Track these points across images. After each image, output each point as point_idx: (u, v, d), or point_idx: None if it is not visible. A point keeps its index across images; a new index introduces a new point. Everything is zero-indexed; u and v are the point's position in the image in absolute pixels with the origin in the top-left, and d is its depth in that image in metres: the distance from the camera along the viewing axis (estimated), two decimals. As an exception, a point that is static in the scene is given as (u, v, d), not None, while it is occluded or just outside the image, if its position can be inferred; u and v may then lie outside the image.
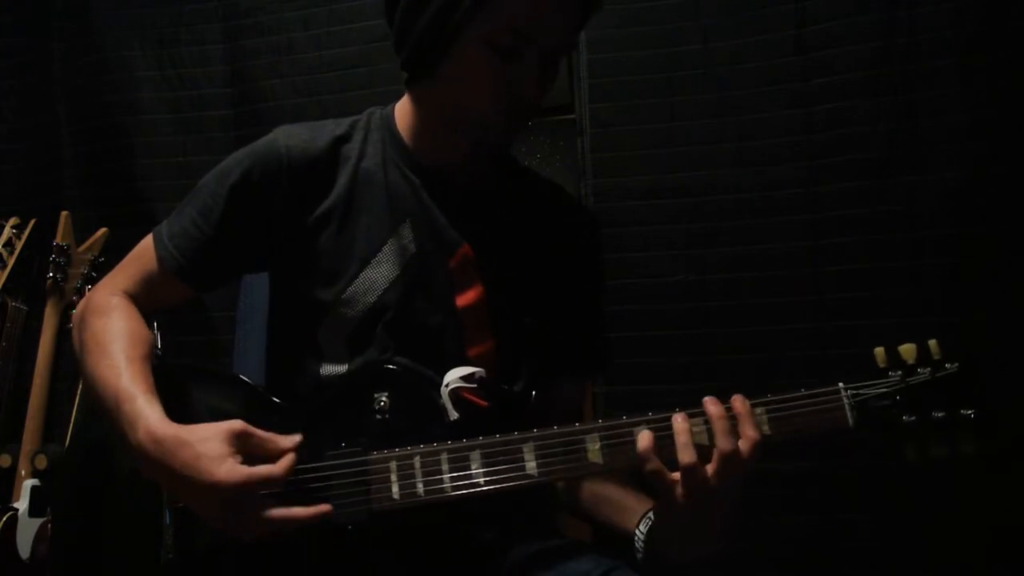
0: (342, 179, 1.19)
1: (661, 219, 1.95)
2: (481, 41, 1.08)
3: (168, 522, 1.11)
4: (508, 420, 1.07)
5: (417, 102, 1.22)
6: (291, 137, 1.19)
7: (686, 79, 1.95)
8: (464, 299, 1.19)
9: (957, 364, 0.98)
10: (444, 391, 1.11)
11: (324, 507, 1.04)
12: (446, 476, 1.05)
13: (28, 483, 2.16)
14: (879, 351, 1.01)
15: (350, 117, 1.26)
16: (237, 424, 1.03)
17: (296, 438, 1.05)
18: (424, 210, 1.19)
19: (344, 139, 1.21)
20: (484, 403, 1.12)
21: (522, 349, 1.21)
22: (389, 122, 1.24)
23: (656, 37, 1.97)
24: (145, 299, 1.22)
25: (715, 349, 1.89)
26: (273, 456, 1.04)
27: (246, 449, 1.03)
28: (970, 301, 1.75)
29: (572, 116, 2.05)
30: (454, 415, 1.10)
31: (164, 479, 1.04)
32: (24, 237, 2.29)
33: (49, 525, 2.10)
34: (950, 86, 1.79)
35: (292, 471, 1.03)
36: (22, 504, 2.14)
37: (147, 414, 1.04)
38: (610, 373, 1.90)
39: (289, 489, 1.04)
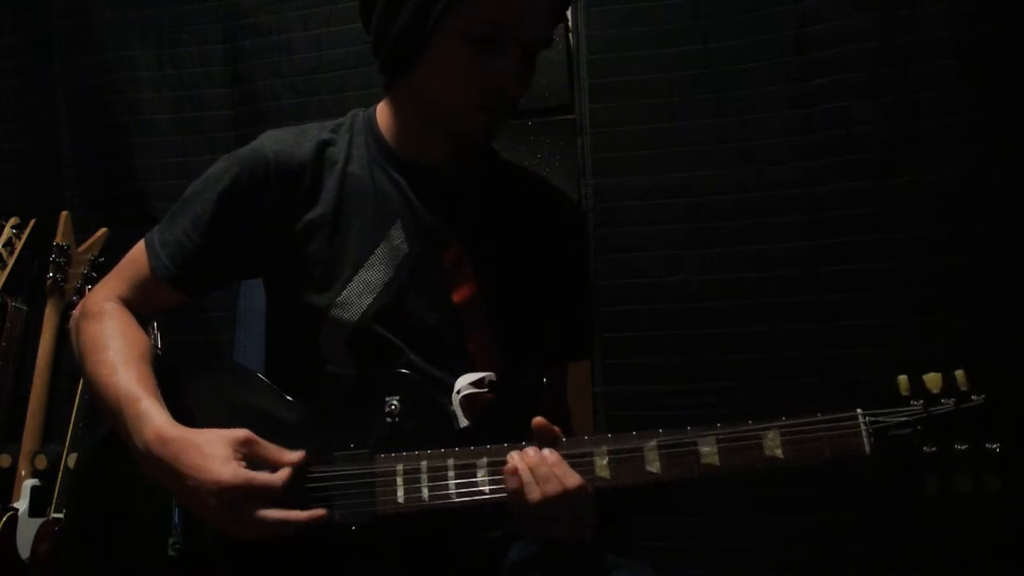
0: (330, 184, 1.19)
1: (661, 219, 1.95)
2: (459, 35, 1.10)
3: (176, 522, 1.12)
4: (517, 413, 1.08)
5: (397, 103, 1.23)
6: (277, 142, 1.20)
7: (686, 79, 1.95)
8: (460, 295, 1.20)
9: (984, 396, 0.95)
10: (455, 398, 1.12)
11: (320, 511, 1.06)
12: (451, 483, 1.05)
13: (28, 483, 2.17)
14: (902, 379, 0.99)
15: (334, 120, 1.27)
16: (243, 433, 1.06)
17: (299, 454, 1.08)
18: (413, 210, 1.20)
19: (329, 143, 1.22)
20: (490, 395, 1.13)
21: (521, 340, 1.22)
22: (372, 124, 1.24)
23: (656, 37, 1.97)
24: (139, 303, 1.23)
25: (715, 349, 1.89)
26: (275, 466, 1.06)
27: (250, 456, 1.05)
28: (970, 301, 1.75)
29: (572, 116, 2.05)
30: (464, 422, 1.12)
31: (168, 479, 1.05)
32: (24, 237, 2.30)
33: (48, 524, 2.11)
34: (950, 86, 1.78)
35: (290, 485, 1.05)
36: (22, 504, 2.14)
37: (153, 416, 1.06)
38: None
39: (295, 488, 1.05)
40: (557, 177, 2.05)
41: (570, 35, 2.06)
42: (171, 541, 1.12)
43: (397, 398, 1.11)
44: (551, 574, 1.14)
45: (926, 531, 1.74)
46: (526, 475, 1.01)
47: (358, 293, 1.17)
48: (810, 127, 1.88)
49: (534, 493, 1.00)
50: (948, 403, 0.96)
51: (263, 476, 1.03)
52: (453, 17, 1.09)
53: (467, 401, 1.12)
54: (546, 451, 1.03)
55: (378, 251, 1.18)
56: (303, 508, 1.06)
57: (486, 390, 1.13)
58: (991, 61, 1.76)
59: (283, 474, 1.05)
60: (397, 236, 1.19)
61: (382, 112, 1.25)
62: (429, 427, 1.11)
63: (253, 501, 1.02)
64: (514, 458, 1.02)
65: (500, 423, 1.09)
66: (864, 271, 1.83)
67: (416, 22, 1.10)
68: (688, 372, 1.91)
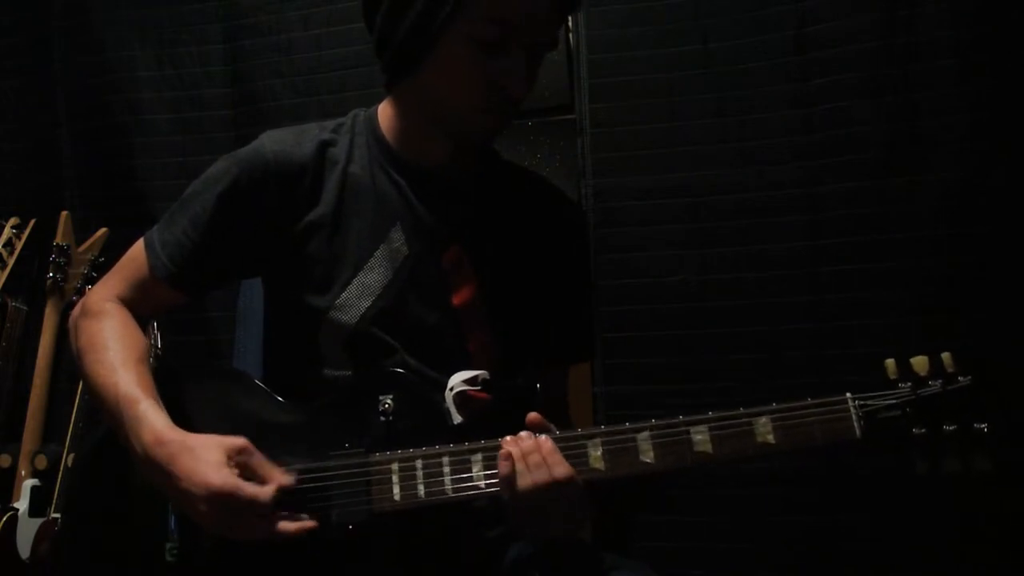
0: (330, 185, 1.19)
1: (661, 219, 1.95)
2: (465, 36, 1.09)
3: (173, 527, 1.11)
4: (512, 413, 1.08)
5: (400, 103, 1.23)
6: (277, 143, 1.19)
7: (686, 79, 1.95)
8: (460, 297, 1.19)
9: (970, 377, 0.96)
10: (448, 395, 1.12)
11: (310, 522, 1.05)
12: (447, 479, 1.05)
13: (28, 483, 2.17)
14: (889, 363, 1.00)
15: (334, 120, 1.26)
16: (240, 441, 1.05)
17: (290, 478, 1.06)
18: (413, 212, 1.20)
19: (330, 143, 1.21)
20: (485, 395, 1.13)
21: (521, 342, 1.22)
22: (373, 124, 1.24)
23: (656, 37, 1.97)
24: (139, 303, 1.23)
25: (715, 349, 1.89)
26: (264, 482, 1.05)
27: (243, 465, 1.04)
28: (970, 301, 1.75)
29: (572, 116, 2.05)
30: (457, 419, 1.11)
31: (163, 481, 1.05)
32: (24, 237, 2.30)
33: (48, 524, 2.11)
34: (950, 86, 1.79)
35: (276, 501, 1.03)
36: (22, 504, 2.14)
37: (152, 418, 1.06)
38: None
39: (283, 503, 1.04)
40: (557, 177, 2.05)
41: (570, 35, 2.06)
42: (168, 546, 1.11)
43: (391, 397, 1.11)
44: (550, 574, 1.14)
45: (926, 531, 1.74)
46: (519, 463, 1.01)
47: (357, 295, 1.16)
48: (810, 127, 1.88)
49: (524, 480, 1.00)
50: (935, 385, 0.97)
51: (251, 487, 1.02)
52: (460, 17, 1.08)
53: (460, 398, 1.12)
54: (543, 437, 1.02)
55: (378, 253, 1.18)
56: (297, 510, 1.05)
57: (479, 388, 1.13)
58: (991, 61, 1.76)
59: (269, 492, 1.03)
60: (397, 238, 1.19)
61: (383, 112, 1.25)
62: (423, 425, 1.10)
63: (240, 509, 1.02)
64: (508, 443, 1.02)
65: (495, 421, 1.08)
66: (864, 271, 1.83)
67: (423, 23, 1.09)
68: (688, 372, 1.90)
